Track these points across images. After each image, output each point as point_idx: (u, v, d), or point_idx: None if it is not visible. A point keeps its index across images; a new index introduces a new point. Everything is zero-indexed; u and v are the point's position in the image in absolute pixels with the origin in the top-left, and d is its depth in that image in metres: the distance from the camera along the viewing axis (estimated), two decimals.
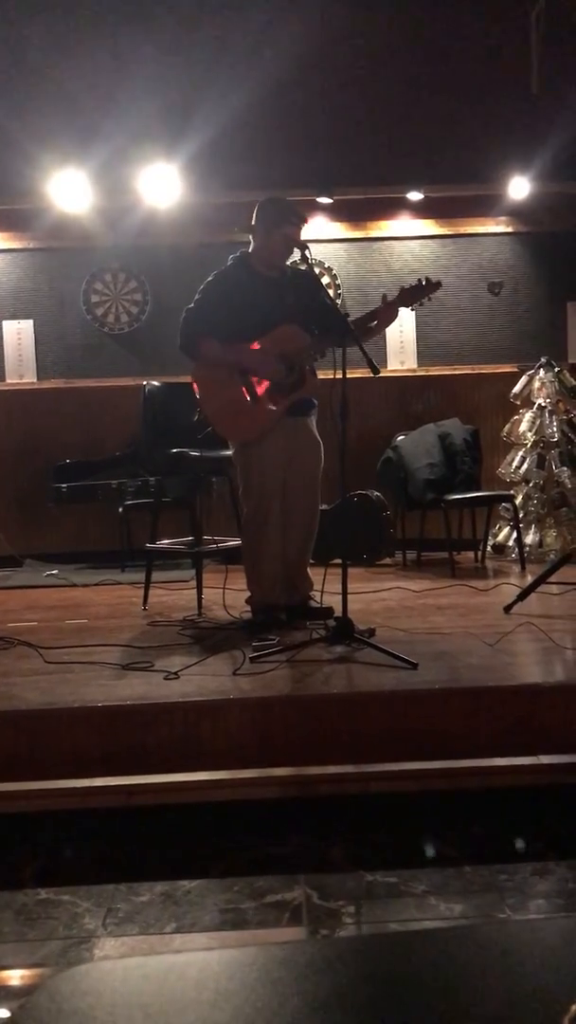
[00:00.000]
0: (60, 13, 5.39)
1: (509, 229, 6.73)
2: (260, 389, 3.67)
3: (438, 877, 2.31)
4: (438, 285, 3.66)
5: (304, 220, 3.80)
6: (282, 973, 0.80)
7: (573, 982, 0.83)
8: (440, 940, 0.92)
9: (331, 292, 6.42)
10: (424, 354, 6.72)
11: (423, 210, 6.58)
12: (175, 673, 3.08)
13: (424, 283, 3.63)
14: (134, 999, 0.79)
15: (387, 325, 3.79)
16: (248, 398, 3.67)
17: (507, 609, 3.95)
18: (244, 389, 3.67)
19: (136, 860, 2.46)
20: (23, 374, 6.63)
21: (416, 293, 3.63)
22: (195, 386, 3.79)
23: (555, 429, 5.97)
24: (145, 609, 4.44)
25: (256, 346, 3.68)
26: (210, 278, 3.80)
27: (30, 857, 2.48)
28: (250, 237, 3.85)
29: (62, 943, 2.09)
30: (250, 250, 3.84)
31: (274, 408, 3.67)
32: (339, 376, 3.31)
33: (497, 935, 0.91)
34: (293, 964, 0.81)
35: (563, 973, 0.86)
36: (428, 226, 6.71)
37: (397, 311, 3.69)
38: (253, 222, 3.80)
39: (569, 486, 5.93)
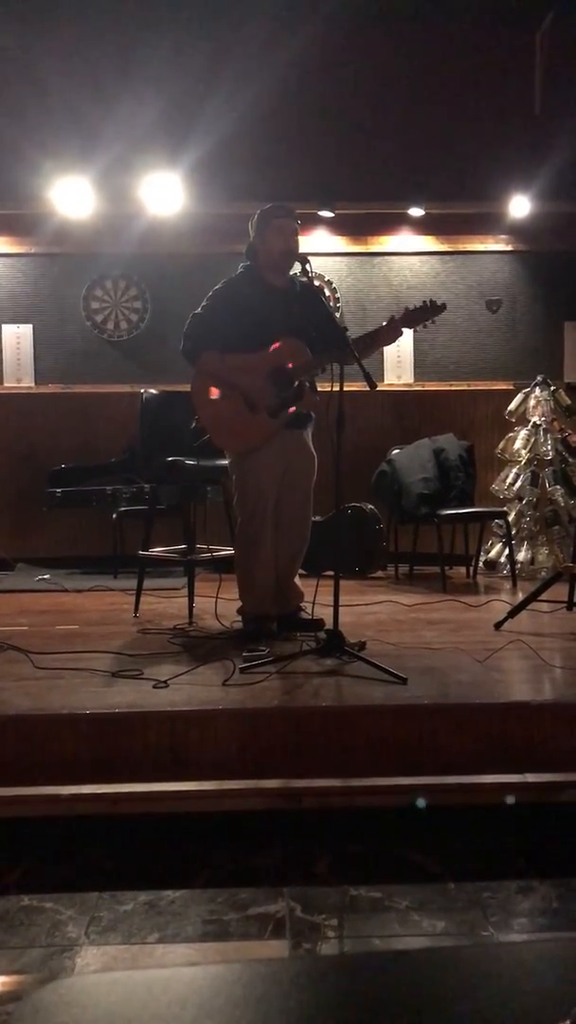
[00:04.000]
0: (64, 23, 5.42)
1: (509, 247, 6.76)
2: (256, 401, 3.68)
3: (421, 893, 2.31)
4: (442, 308, 3.62)
5: (292, 211, 3.81)
6: (267, 990, 0.80)
7: (555, 1005, 0.84)
8: (425, 961, 0.92)
9: (331, 305, 6.43)
10: (421, 369, 6.74)
11: (424, 226, 6.61)
12: (164, 682, 3.08)
13: (428, 305, 3.61)
14: (118, 1013, 0.79)
15: (388, 344, 3.81)
16: (245, 410, 3.68)
17: (498, 626, 3.96)
18: (241, 400, 3.68)
19: (120, 868, 2.45)
20: (21, 378, 6.64)
21: (420, 315, 3.62)
22: (193, 394, 3.80)
23: (549, 447, 6.00)
24: (136, 616, 4.44)
25: (255, 359, 3.67)
26: (219, 285, 3.81)
27: (13, 863, 2.47)
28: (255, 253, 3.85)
29: (44, 951, 2.08)
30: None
31: (270, 421, 3.67)
32: (336, 389, 3.33)
33: (481, 957, 0.91)
34: (278, 981, 0.81)
35: (545, 996, 0.86)
36: (428, 242, 6.74)
37: (400, 332, 3.69)
38: (251, 238, 3.82)
39: (562, 504, 5.96)
